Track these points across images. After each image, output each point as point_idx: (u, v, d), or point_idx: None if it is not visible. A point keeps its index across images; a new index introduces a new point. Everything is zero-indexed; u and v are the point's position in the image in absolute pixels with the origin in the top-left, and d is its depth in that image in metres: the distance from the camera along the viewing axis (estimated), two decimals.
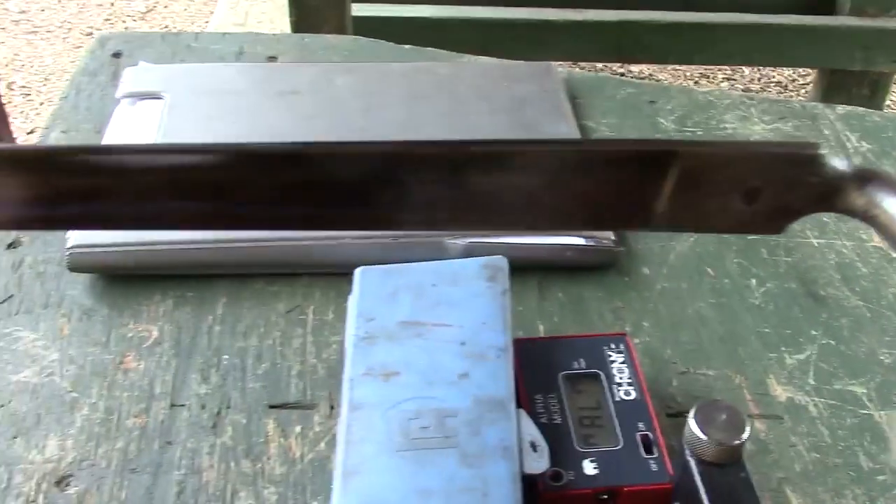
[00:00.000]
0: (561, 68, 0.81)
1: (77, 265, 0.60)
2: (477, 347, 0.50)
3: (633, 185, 0.21)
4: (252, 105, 0.72)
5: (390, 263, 0.57)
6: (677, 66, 2.31)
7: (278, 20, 2.29)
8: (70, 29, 2.26)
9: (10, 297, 0.60)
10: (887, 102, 2.10)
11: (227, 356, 0.57)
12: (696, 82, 2.32)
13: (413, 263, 0.56)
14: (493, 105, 0.74)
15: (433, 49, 0.83)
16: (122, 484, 0.50)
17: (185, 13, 2.34)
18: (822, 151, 0.21)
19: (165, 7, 2.36)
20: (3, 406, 0.54)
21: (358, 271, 0.56)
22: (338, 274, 0.62)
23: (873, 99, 1.99)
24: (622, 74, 2.28)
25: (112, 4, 2.36)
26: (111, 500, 0.49)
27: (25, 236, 0.64)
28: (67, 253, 0.60)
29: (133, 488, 0.50)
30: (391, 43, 0.84)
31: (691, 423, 0.44)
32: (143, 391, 0.55)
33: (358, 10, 1.62)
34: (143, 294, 0.61)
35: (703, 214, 0.21)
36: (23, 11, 2.43)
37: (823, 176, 0.22)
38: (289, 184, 0.25)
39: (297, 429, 0.53)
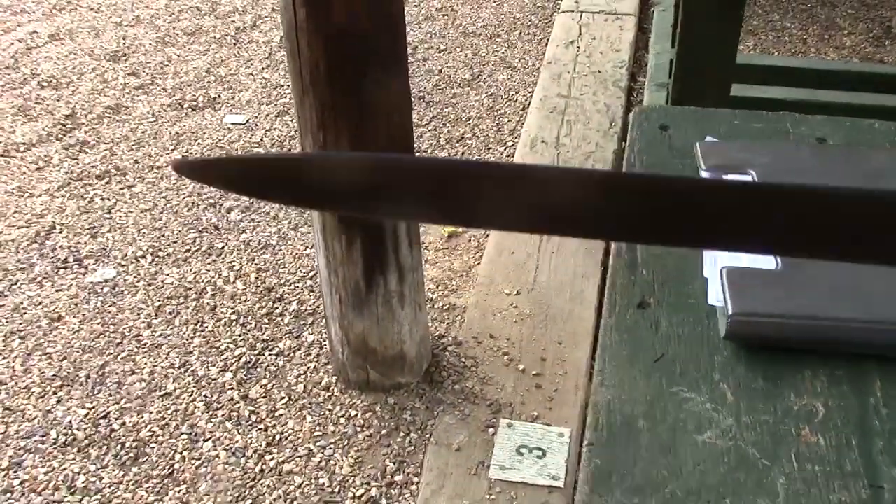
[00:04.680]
0: None
1: (735, 333, 0.61)
2: None
3: None
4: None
5: None
6: None
7: (600, 92, 2.35)
8: None
9: (662, 356, 0.63)
10: None
11: None
12: None
13: None
14: None
15: None
16: None
17: (509, 82, 2.44)
18: None
19: (489, 76, 2.47)
20: (698, 465, 0.56)
21: None
22: None
23: None
24: None
25: (440, 72, 2.50)
26: None
27: (651, 298, 0.67)
28: (729, 320, 0.61)
29: None
30: None
31: None
32: (833, 466, 0.55)
33: (735, 90, 1.63)
34: (792, 368, 0.61)
35: None
36: None
37: None
38: None
39: None
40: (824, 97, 1.73)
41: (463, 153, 2.19)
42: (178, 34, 2.71)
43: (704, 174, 0.75)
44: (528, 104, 2.32)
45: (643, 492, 0.54)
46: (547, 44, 2.55)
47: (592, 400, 0.60)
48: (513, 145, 2.20)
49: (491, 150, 2.20)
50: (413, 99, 2.41)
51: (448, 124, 2.29)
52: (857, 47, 2.59)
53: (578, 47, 2.49)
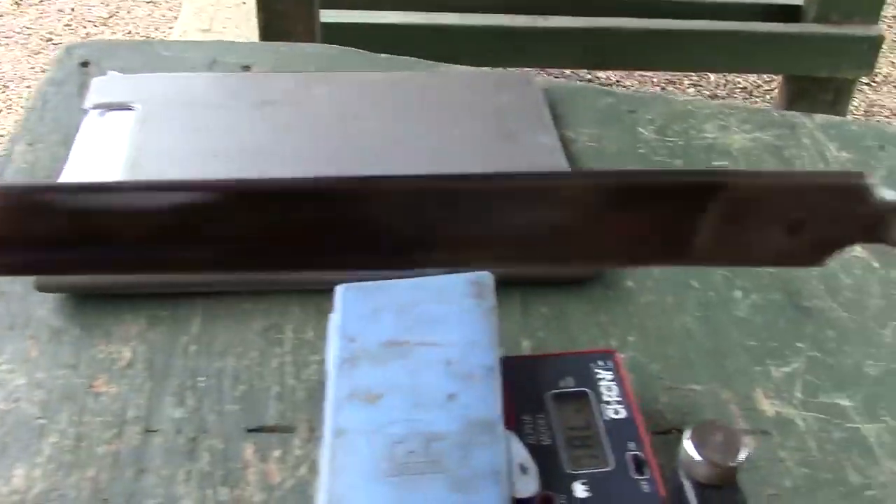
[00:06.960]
0: (540, 77, 0.80)
1: (45, 285, 0.57)
2: (464, 367, 0.49)
3: (675, 218, 0.20)
4: (227, 117, 0.70)
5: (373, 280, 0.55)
6: (644, 72, 2.32)
7: (244, 26, 2.26)
8: (29, 35, 2.22)
9: None
10: (850, 108, 2.13)
11: (203, 378, 0.55)
12: (662, 88, 2.33)
13: (396, 280, 0.54)
14: (474, 115, 0.72)
15: (409, 58, 0.82)
16: None
17: (149, 18, 2.30)
18: (871, 182, 0.20)
19: (128, 13, 2.32)
20: None
21: (339, 289, 0.54)
22: (316, 290, 0.60)
23: (836, 104, 2.01)
24: (589, 80, 2.28)
25: (72, 10, 2.31)
26: None
27: None
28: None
29: None
30: (367, 52, 0.82)
31: (686, 445, 0.43)
32: (115, 416, 0.53)
33: (326, 16, 1.60)
34: (114, 314, 0.58)
35: (744, 248, 0.20)
36: None
37: (871, 207, 0.21)
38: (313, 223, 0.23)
39: (277, 453, 0.51)
40: (416, 20, 1.75)
41: None
42: None
43: (92, 112, 0.70)
44: None
45: None
46: None
47: None
48: None
49: None
50: (40, 41, 2.22)
51: None
52: None
53: None
